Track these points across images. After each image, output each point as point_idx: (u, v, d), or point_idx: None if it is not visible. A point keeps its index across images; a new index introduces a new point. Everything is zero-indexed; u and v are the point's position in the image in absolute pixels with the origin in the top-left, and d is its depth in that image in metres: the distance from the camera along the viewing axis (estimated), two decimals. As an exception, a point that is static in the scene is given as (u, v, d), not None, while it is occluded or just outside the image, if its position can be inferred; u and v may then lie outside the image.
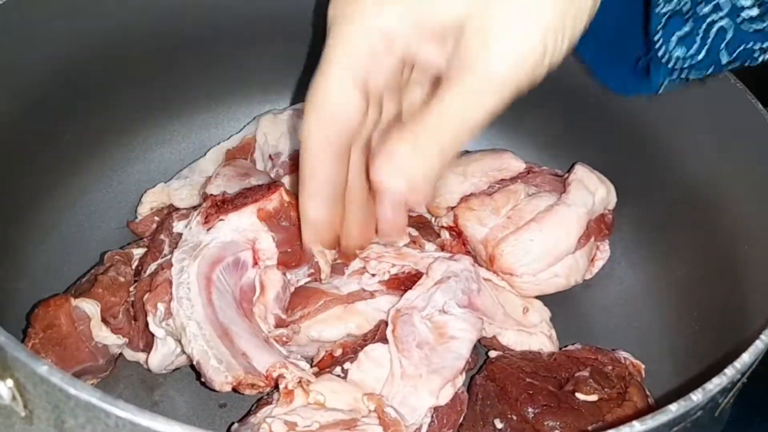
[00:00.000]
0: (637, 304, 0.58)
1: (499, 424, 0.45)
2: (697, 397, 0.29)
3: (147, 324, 0.47)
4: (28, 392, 0.28)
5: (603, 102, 0.60)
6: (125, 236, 0.58)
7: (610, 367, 0.47)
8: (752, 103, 0.47)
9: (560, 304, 0.56)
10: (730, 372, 0.30)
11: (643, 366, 0.49)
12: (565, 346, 0.52)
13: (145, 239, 0.55)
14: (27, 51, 0.51)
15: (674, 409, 0.28)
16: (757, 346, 0.31)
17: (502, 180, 0.59)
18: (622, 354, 0.50)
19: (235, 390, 0.43)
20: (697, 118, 0.52)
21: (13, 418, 0.31)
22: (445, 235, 0.58)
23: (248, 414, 0.46)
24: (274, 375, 0.43)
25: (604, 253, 0.60)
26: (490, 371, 0.48)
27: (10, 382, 0.29)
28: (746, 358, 0.31)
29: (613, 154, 0.60)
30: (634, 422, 0.28)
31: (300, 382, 0.44)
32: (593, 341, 0.53)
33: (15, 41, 0.49)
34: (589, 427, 0.42)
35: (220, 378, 0.43)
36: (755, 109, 0.46)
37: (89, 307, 0.46)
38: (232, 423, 0.45)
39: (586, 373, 0.45)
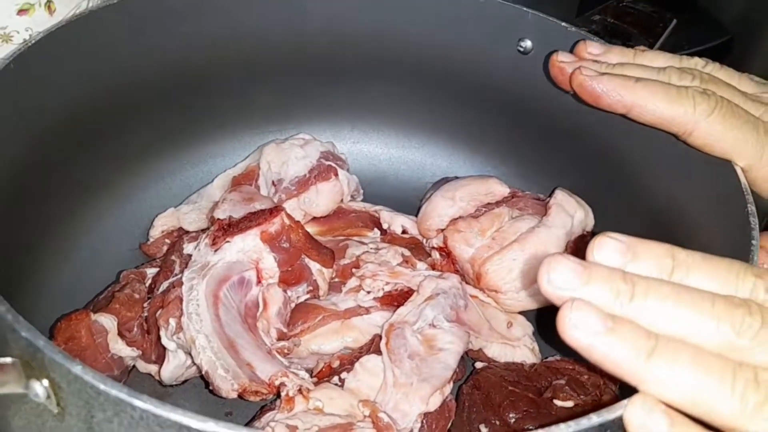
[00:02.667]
0: (615, 319, 0.62)
1: (483, 429, 0.49)
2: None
3: (159, 338, 0.51)
4: (62, 390, 0.32)
5: (582, 133, 0.64)
6: (138, 258, 0.62)
7: (586, 377, 0.51)
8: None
9: (542, 322, 0.60)
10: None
11: (617, 376, 0.53)
12: (546, 358, 0.56)
13: (157, 260, 0.59)
14: (47, 89, 0.54)
15: (626, 403, 0.32)
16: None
17: (488, 204, 0.63)
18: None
19: (240, 396, 0.47)
20: (666, 150, 0.56)
21: (45, 416, 0.35)
22: (436, 255, 0.62)
23: (253, 420, 0.49)
24: (277, 383, 0.47)
25: (584, 272, 0.63)
26: (475, 380, 0.52)
27: (45, 382, 0.33)
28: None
29: (591, 180, 0.64)
30: (592, 415, 0.32)
31: (300, 389, 0.48)
32: (574, 354, 0.57)
33: (37, 80, 0.53)
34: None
35: (227, 386, 0.47)
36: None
37: (107, 321, 0.50)
38: (238, 429, 0.49)
39: (563, 382, 0.49)
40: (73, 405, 0.32)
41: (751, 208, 0.45)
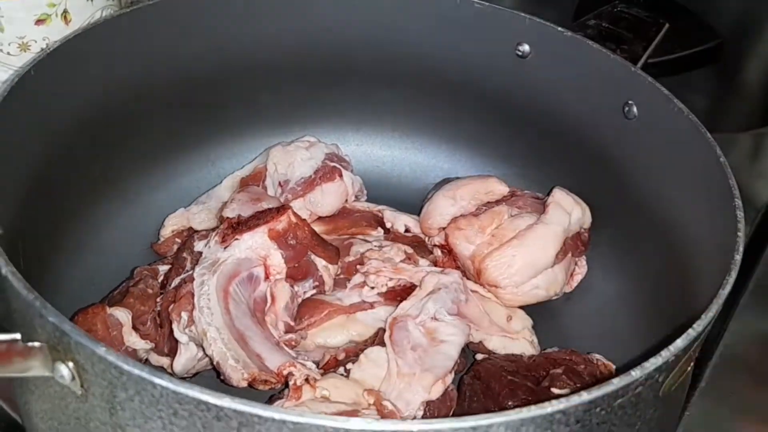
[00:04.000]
0: (613, 313, 0.63)
1: (484, 417, 0.51)
2: (636, 373, 0.35)
3: (172, 331, 0.53)
4: (86, 372, 0.34)
5: (579, 134, 0.66)
6: (149, 256, 0.64)
7: (582, 366, 0.53)
8: (703, 135, 0.53)
9: (543, 315, 0.62)
10: (665, 354, 0.36)
11: (613, 366, 0.55)
12: (545, 350, 0.58)
13: (168, 258, 0.62)
14: (65, 93, 0.57)
15: (616, 382, 0.34)
16: (689, 334, 0.37)
17: (488, 203, 0.65)
18: (595, 356, 0.55)
19: (250, 386, 0.49)
20: (657, 149, 0.58)
21: (68, 398, 0.37)
22: (438, 252, 0.65)
23: (262, 408, 0.51)
24: (285, 372, 0.49)
25: (582, 268, 0.65)
26: (476, 371, 0.54)
27: (71, 365, 0.35)
28: (679, 343, 0.37)
29: (588, 179, 0.66)
30: (583, 392, 0.34)
31: (307, 379, 0.49)
32: (573, 347, 0.59)
33: (55, 85, 0.56)
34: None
35: (238, 375, 0.49)
36: (707, 141, 0.53)
37: (122, 315, 0.52)
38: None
39: (560, 371, 0.51)
40: (97, 385, 0.34)
41: (738, 202, 0.47)
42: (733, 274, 0.42)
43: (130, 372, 0.32)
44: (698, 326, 0.38)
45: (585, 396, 0.33)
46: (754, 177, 0.79)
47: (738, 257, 0.43)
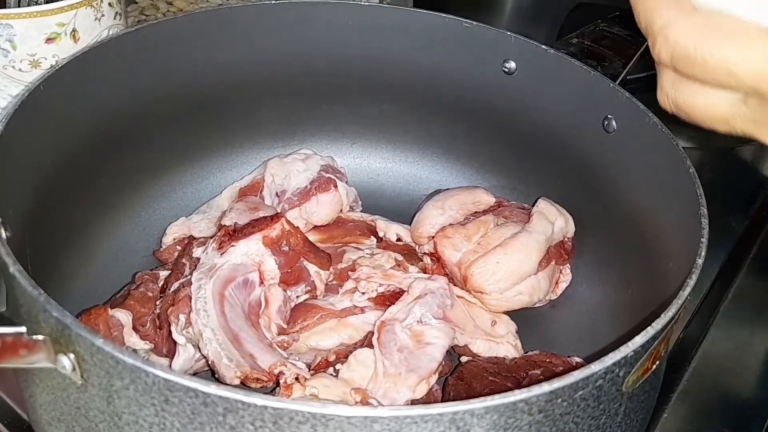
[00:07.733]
0: (596, 320, 0.66)
1: (465, 416, 0.53)
2: (595, 366, 0.37)
3: (170, 333, 0.56)
4: (85, 362, 0.37)
5: (563, 147, 0.69)
6: (151, 263, 0.67)
7: (561, 368, 0.55)
8: (675, 146, 0.56)
9: (528, 321, 0.64)
10: (624, 349, 0.39)
11: (592, 368, 0.57)
12: (527, 353, 0.60)
13: (168, 264, 0.65)
14: (72, 108, 0.60)
15: (576, 374, 0.37)
16: (648, 332, 0.40)
17: (475, 212, 0.68)
18: (575, 359, 0.58)
19: (243, 383, 0.51)
20: (634, 161, 0.61)
21: (69, 389, 0.40)
22: (427, 260, 0.67)
23: (254, 406, 0.54)
24: (276, 371, 0.52)
25: (566, 276, 0.68)
26: (459, 372, 0.57)
27: (72, 356, 0.38)
28: (638, 339, 0.39)
29: (572, 190, 0.69)
30: (544, 383, 0.36)
31: (297, 377, 0.52)
32: (556, 351, 0.61)
33: (64, 99, 0.59)
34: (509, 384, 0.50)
35: (231, 373, 0.51)
36: (678, 152, 0.55)
37: (123, 316, 0.55)
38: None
39: (538, 372, 0.54)
40: (95, 375, 0.37)
41: (703, 210, 0.49)
42: (694, 277, 0.44)
43: (125, 362, 0.35)
44: (657, 324, 0.40)
45: (546, 387, 0.36)
46: (739, 190, 0.81)
47: (700, 261, 0.46)
